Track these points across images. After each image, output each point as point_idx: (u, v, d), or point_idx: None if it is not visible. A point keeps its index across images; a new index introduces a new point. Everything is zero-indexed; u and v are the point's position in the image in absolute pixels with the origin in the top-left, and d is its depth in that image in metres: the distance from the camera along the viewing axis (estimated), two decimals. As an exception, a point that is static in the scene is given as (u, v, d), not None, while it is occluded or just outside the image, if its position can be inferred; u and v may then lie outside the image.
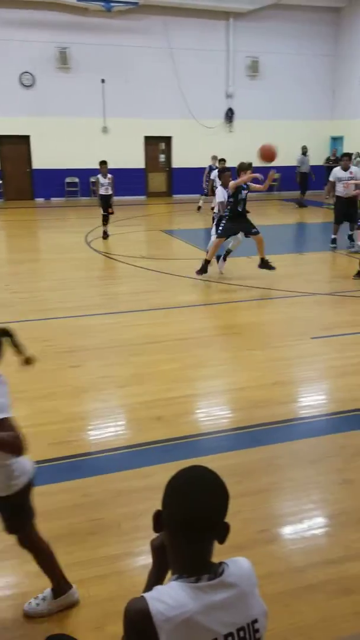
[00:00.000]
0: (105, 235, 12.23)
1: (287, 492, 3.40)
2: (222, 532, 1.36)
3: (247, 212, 8.72)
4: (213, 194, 15.79)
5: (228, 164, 15.90)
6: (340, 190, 10.77)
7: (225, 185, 8.89)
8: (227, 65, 20.80)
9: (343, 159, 11.03)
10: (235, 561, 1.43)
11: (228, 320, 6.78)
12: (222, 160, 16.35)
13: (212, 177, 15.26)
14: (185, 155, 20.80)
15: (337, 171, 10.93)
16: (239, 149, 19.18)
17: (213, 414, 4.48)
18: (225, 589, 1.33)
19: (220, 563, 1.38)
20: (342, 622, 2.45)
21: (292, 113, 21.50)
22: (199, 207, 17.40)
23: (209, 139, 20.60)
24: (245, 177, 8.20)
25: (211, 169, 16.65)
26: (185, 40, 19.82)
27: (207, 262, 8.48)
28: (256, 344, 5.92)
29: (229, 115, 21.22)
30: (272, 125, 21.18)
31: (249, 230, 8.53)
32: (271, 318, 6.85)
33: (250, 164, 8.63)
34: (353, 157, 17.63)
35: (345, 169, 10.76)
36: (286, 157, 19.88)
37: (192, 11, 19.56)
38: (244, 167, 8.46)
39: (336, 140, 22.20)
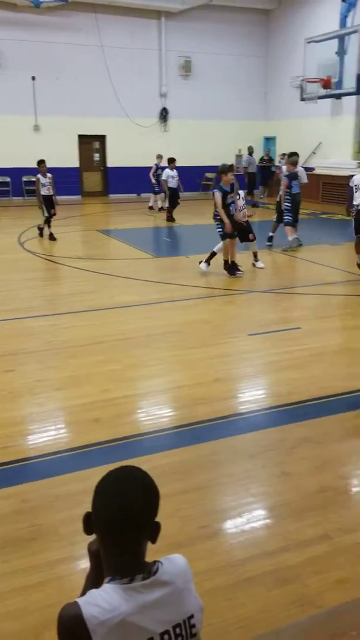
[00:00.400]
0: (52, 237, 11.95)
1: (226, 488, 3.44)
2: (152, 532, 1.35)
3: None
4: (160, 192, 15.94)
5: (163, 163, 15.99)
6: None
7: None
8: (160, 65, 20.85)
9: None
10: (170, 559, 1.43)
11: (166, 319, 6.79)
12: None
13: (164, 177, 14.92)
14: (121, 155, 20.72)
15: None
16: (174, 148, 19.31)
17: (152, 413, 4.48)
18: (159, 587, 1.33)
19: (155, 562, 1.38)
20: (281, 612, 2.50)
21: (225, 113, 21.78)
22: (151, 207, 17.28)
23: (144, 138, 20.60)
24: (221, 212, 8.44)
25: (157, 167, 16.62)
26: (117, 39, 19.73)
27: (228, 262, 8.70)
28: (194, 342, 5.96)
29: (164, 114, 21.28)
30: (207, 125, 21.41)
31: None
32: (209, 316, 6.91)
33: (231, 166, 8.69)
34: (281, 157, 18.10)
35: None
36: (222, 157, 20.13)
37: (123, 9, 19.49)
38: (225, 170, 8.48)
39: (269, 141, 22.68)
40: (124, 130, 20.50)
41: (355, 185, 8.96)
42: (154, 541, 1.37)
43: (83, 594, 1.39)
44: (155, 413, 4.47)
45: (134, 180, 20.55)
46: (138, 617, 1.28)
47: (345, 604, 1.45)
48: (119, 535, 1.30)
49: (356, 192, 8.91)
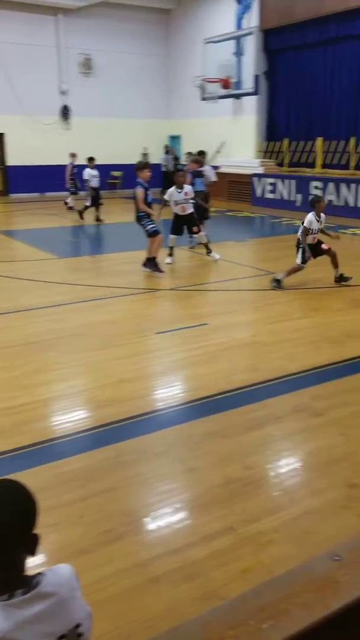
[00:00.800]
0: None
1: (132, 489, 3.40)
2: (30, 545, 1.29)
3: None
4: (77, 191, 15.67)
5: (64, 162, 15.73)
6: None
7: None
8: (59, 62, 20.46)
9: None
10: (54, 569, 1.38)
11: (70, 321, 6.65)
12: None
13: (86, 177, 14.38)
14: (22, 153, 20.14)
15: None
16: (77, 146, 18.99)
17: (56, 419, 4.35)
18: (41, 600, 1.28)
19: (37, 574, 1.32)
20: (188, 607, 2.49)
21: (129, 111, 21.75)
22: (71, 207, 16.76)
23: (46, 136, 20.17)
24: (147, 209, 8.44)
25: (73, 166, 16.30)
26: (12, 35, 19.19)
27: (153, 259, 8.67)
28: (100, 344, 5.87)
29: (65, 112, 20.91)
30: (110, 124, 21.29)
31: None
32: (114, 316, 6.84)
33: (147, 163, 8.60)
34: (186, 156, 18.29)
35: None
36: (127, 156, 20.10)
37: (19, 5, 18.99)
38: (141, 166, 8.38)
39: (174, 139, 22.87)
40: (24, 128, 19.95)
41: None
42: (33, 554, 1.31)
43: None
44: (59, 419, 4.35)
45: (36, 179, 20.06)
46: (19, 634, 1.23)
47: (244, 594, 1.44)
48: None
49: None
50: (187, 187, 9.36)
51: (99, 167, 15.04)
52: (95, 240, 12.85)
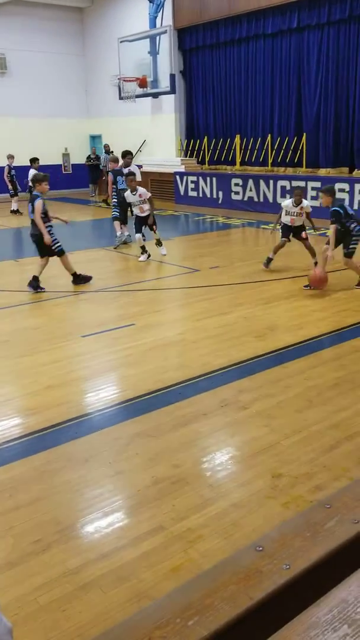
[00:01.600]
0: None
1: (60, 497, 3.36)
2: None
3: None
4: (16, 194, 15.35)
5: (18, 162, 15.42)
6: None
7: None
8: (-28, 62, 19.83)
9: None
10: None
11: (-5, 328, 6.48)
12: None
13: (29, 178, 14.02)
14: None
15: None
16: (-4, 147, 18.48)
17: (-19, 430, 4.24)
18: None
19: None
20: (119, 611, 2.50)
21: (48, 111, 21.38)
22: (16, 211, 16.36)
23: None
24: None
25: (11, 168, 16.08)
26: None
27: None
28: (24, 350, 5.76)
29: (-19, 113, 20.31)
30: (30, 124, 20.85)
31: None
32: (38, 321, 6.73)
33: (45, 175, 8.22)
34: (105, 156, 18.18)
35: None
36: (50, 156, 19.74)
37: None
38: (39, 179, 8.00)
39: (95, 139, 22.69)
40: None
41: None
42: None
43: None
44: (-16, 430, 4.24)
45: None
46: None
47: (171, 592, 1.46)
48: None
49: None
50: (141, 189, 9.77)
51: (17, 169, 14.76)
52: (17, 244, 12.56)
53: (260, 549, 1.88)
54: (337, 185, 12.79)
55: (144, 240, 9.87)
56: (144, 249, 9.93)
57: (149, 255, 9.93)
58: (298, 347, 5.65)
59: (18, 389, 4.88)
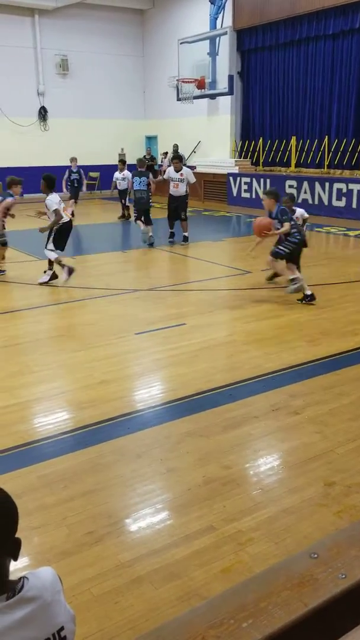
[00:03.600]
0: None
1: (113, 490, 3.43)
2: (12, 549, 1.31)
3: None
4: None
5: (42, 164, 15.60)
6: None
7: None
8: (36, 63, 20.34)
9: (174, 161, 11.59)
10: (36, 573, 1.40)
11: (50, 323, 6.65)
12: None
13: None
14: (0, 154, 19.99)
15: (170, 171, 11.48)
16: (55, 147, 18.95)
17: (37, 421, 4.36)
18: (25, 605, 1.30)
19: (20, 578, 1.34)
20: (169, 607, 2.53)
21: (106, 112, 21.71)
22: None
23: (24, 138, 20.03)
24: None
25: (71, 172, 15.43)
26: (-11, 36, 19.02)
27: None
28: (80, 345, 5.88)
29: (42, 113, 20.79)
30: (88, 124, 21.22)
31: None
32: (93, 317, 6.85)
33: (20, 180, 8.64)
34: (163, 157, 18.23)
35: (177, 170, 11.33)
36: (105, 156, 20.04)
37: (-6, 5, 18.81)
38: (15, 182, 8.59)
39: (150, 140, 22.88)
40: (2, 130, 19.78)
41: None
42: (15, 558, 1.33)
43: None
44: (40, 421, 4.36)
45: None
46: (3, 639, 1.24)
47: (224, 592, 1.49)
48: None
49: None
50: (186, 170, 11.05)
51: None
52: (74, 242, 12.79)
53: (315, 555, 1.87)
54: None
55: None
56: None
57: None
58: (352, 354, 5.56)
59: (72, 382, 4.99)
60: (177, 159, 11.66)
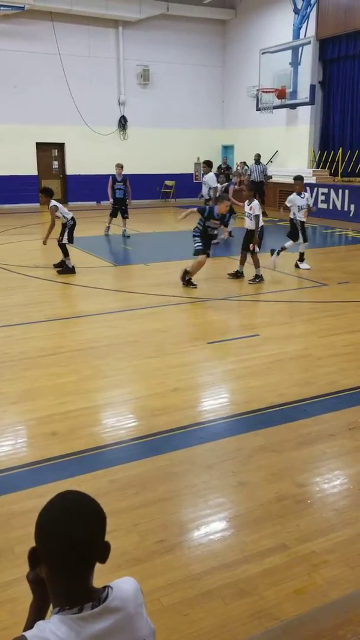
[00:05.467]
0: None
1: (184, 500, 3.42)
2: (102, 553, 1.31)
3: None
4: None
5: (125, 171, 15.85)
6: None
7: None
8: (118, 73, 20.86)
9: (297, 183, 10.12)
10: (120, 583, 1.39)
11: (123, 328, 6.74)
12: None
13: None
14: (80, 163, 20.61)
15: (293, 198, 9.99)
16: (134, 156, 19.31)
17: (110, 425, 4.42)
18: (110, 615, 1.29)
19: (105, 587, 1.34)
20: (240, 625, 2.48)
21: (184, 121, 21.93)
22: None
23: (104, 146, 20.56)
24: None
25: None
26: (74, 47, 19.68)
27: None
28: (153, 352, 5.93)
29: (122, 122, 21.28)
30: (165, 134, 21.51)
31: None
32: (166, 325, 6.89)
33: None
34: (237, 167, 18.08)
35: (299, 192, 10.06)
36: (181, 165, 20.24)
37: (81, 18, 19.45)
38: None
39: (227, 149, 22.92)
40: (82, 138, 20.41)
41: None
42: (103, 562, 1.33)
43: (29, 625, 1.34)
44: (113, 425, 4.41)
45: (93, 188, 20.44)
46: None
47: (300, 617, 1.44)
48: (70, 567, 1.26)
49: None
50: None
51: (153, 177, 15.17)
52: (149, 248, 12.98)
53: None
54: None
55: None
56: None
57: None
58: None
59: (146, 388, 5.03)
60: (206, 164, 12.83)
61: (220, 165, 21.21)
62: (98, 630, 1.26)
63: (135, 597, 1.38)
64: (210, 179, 13.46)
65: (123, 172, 13.59)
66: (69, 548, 1.24)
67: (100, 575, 1.40)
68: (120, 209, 13.66)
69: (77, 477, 3.61)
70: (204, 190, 13.60)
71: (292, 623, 1.58)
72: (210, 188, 13.35)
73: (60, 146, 20.73)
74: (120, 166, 13.71)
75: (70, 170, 20.92)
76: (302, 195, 9.89)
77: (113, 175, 13.68)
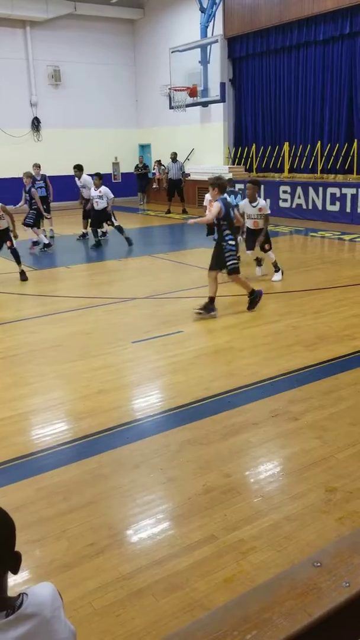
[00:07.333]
0: None
1: (113, 501, 3.40)
2: (12, 563, 1.29)
3: None
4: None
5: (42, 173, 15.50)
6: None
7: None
8: (28, 74, 20.39)
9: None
10: (36, 589, 1.38)
11: (46, 333, 6.62)
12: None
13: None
14: (-7, 166, 19.99)
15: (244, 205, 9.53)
16: (50, 158, 18.93)
17: (35, 433, 4.33)
18: (25, 622, 1.28)
19: (19, 595, 1.32)
20: (172, 619, 2.50)
21: (100, 121, 21.75)
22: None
23: (17, 148, 20.04)
24: None
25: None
26: (-20, 47, 19.07)
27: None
28: (77, 355, 5.86)
29: (36, 124, 20.84)
30: (81, 134, 21.25)
31: None
32: (90, 327, 6.83)
33: None
34: (155, 165, 18.12)
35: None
36: (99, 165, 20.03)
37: (-15, 18, 18.87)
38: None
39: (144, 148, 22.94)
40: (-4, 141, 19.84)
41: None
42: (15, 572, 1.31)
43: None
44: (38, 432, 4.33)
45: (8, 191, 19.87)
46: None
47: (227, 604, 1.45)
48: None
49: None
50: (261, 202, 8.65)
51: (69, 178, 14.94)
52: (68, 251, 12.80)
53: (318, 564, 1.84)
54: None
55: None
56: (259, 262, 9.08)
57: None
58: (350, 358, 5.55)
59: (71, 392, 4.96)
60: (98, 177, 12.27)
61: (137, 165, 21.22)
62: (13, 638, 1.24)
63: (52, 601, 1.37)
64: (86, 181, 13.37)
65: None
66: None
67: (30, 585, 1.37)
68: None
69: (1, 488, 3.52)
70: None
71: (218, 611, 1.59)
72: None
73: (-29, 149, 20.06)
74: (37, 166, 13.86)
75: (-16, 174, 20.27)
76: (255, 204, 8.60)
77: (32, 176, 13.56)
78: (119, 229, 12.34)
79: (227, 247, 6.92)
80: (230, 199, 8.02)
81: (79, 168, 13.46)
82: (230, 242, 6.89)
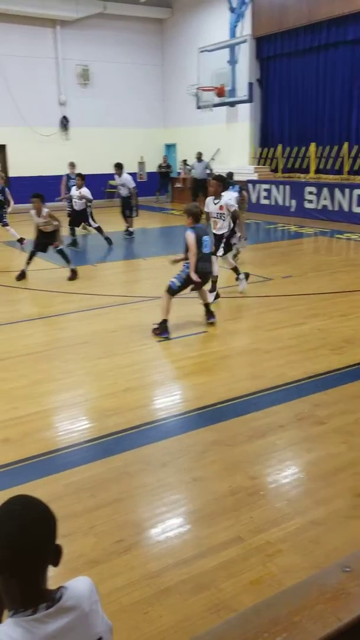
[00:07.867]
0: None
1: (139, 499, 3.43)
2: (54, 556, 1.32)
3: None
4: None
5: (64, 172, 15.66)
6: None
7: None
8: (57, 73, 20.57)
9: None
10: (74, 583, 1.41)
11: (73, 330, 6.69)
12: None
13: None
14: (23, 164, 20.20)
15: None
16: (77, 156, 19.04)
17: (62, 429, 4.39)
18: (64, 614, 1.31)
19: (59, 588, 1.36)
20: (199, 619, 2.52)
21: (126, 121, 21.85)
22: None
23: (46, 147, 20.26)
24: None
25: (69, 177, 14.28)
26: (12, 47, 19.32)
27: None
28: (103, 353, 5.91)
29: (64, 123, 21.02)
30: (108, 133, 21.37)
31: None
32: (116, 325, 6.88)
33: None
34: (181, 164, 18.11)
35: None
36: (125, 165, 20.12)
37: (18, 18, 19.09)
38: None
39: (170, 148, 22.98)
40: (24, 139, 20.04)
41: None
42: (55, 565, 1.34)
43: (-15, 630, 1.33)
44: (66, 428, 4.38)
45: (37, 189, 20.06)
46: None
47: (256, 606, 1.48)
48: (20, 572, 1.26)
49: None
50: (224, 199, 7.86)
51: (97, 177, 15.06)
52: (96, 249, 12.89)
53: (348, 569, 1.84)
54: None
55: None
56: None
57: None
58: (377, 363, 5.51)
59: (97, 390, 5.01)
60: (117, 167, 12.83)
61: (160, 164, 21.28)
62: (53, 630, 1.27)
63: (89, 595, 1.40)
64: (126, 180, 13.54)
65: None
66: (17, 552, 1.24)
67: (59, 579, 1.41)
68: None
69: (31, 482, 3.57)
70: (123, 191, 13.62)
71: (248, 612, 1.61)
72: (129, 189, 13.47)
73: (1, 148, 20.28)
74: (72, 164, 14.60)
75: (13, 172, 20.47)
76: (217, 201, 7.81)
77: (67, 174, 14.33)
78: (99, 230, 12.59)
79: (184, 268, 6.64)
80: (231, 190, 8.48)
81: (119, 166, 13.49)
82: (186, 269, 6.58)
